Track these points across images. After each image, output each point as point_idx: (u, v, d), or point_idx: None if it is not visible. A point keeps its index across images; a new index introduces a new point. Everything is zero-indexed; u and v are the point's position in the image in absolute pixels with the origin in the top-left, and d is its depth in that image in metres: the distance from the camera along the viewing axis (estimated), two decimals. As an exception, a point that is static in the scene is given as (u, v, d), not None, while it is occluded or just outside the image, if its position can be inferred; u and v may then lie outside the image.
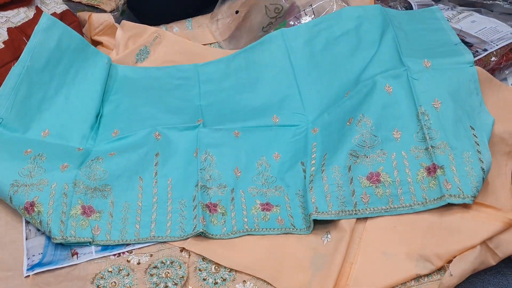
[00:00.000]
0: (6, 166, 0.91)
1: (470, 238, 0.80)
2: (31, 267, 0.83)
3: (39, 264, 0.84)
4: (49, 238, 0.87)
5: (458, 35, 1.05)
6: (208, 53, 1.28)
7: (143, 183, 0.95)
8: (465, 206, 0.84)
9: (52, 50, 1.07)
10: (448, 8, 1.19)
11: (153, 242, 0.87)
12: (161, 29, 1.31)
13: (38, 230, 0.89)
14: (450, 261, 0.80)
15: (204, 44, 1.32)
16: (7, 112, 0.99)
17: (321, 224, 0.87)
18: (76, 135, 1.03)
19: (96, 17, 1.27)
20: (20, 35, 1.05)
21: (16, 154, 0.94)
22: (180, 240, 0.87)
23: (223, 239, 0.87)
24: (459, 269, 0.78)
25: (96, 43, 1.30)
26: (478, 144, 0.87)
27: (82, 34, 1.20)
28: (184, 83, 1.18)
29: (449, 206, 0.84)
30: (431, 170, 0.86)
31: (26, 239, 0.88)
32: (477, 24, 1.11)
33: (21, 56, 1.00)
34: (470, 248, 0.80)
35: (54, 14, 1.12)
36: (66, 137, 1.03)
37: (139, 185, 0.94)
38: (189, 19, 1.39)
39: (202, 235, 0.87)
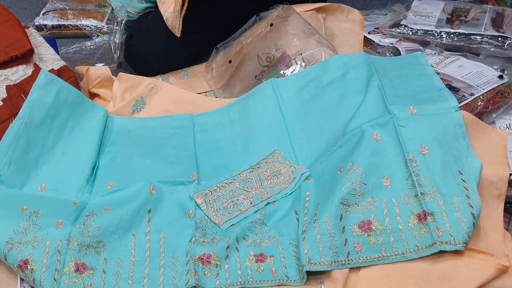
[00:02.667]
0: (2, 224, 0.92)
1: (464, 285, 0.80)
2: (24, 327, 0.83)
3: (32, 324, 0.83)
4: (43, 295, 0.87)
5: (445, 80, 1.08)
6: (203, 101, 1.30)
7: (135, 239, 0.95)
8: (457, 252, 0.83)
9: (50, 105, 1.09)
10: (435, 53, 1.22)
11: (145, 298, 0.87)
12: (157, 80, 1.34)
13: (32, 287, 0.89)
14: (444, 310, 0.79)
15: (199, 93, 1.35)
16: (4, 168, 1.01)
17: (314, 275, 0.87)
18: (72, 188, 1.04)
19: (94, 70, 1.30)
20: (18, 92, 1.08)
21: (12, 212, 0.95)
22: (173, 295, 0.87)
23: (216, 292, 0.87)
24: (454, 317, 0.78)
25: (93, 96, 1.33)
26: (467, 189, 0.87)
27: (79, 88, 1.24)
28: (179, 132, 1.20)
29: (442, 253, 0.83)
30: (422, 217, 0.86)
31: (21, 296, 0.88)
32: (463, 68, 1.13)
33: (19, 113, 1.02)
34: (464, 295, 0.79)
35: (51, 71, 1.15)
36: (63, 191, 1.04)
37: (132, 241, 0.94)
38: (184, 68, 1.43)
39: (195, 289, 0.87)
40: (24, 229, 0.91)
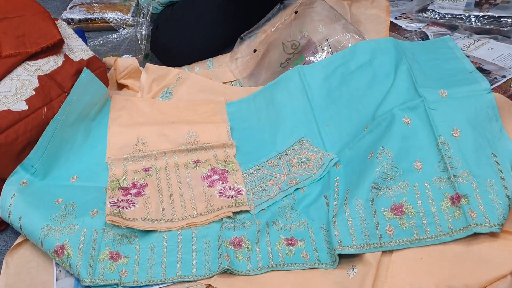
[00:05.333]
0: (38, 212, 0.94)
1: (500, 267, 0.79)
2: (62, 308, 0.85)
3: (70, 305, 0.86)
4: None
5: (475, 63, 1.06)
6: (229, 91, 1.31)
7: None
8: (492, 234, 0.82)
9: (85, 105, 1.13)
10: (464, 37, 1.20)
11: (179, 281, 0.88)
12: (183, 70, 1.35)
13: (68, 272, 0.91)
14: (480, 292, 0.78)
15: (224, 83, 1.36)
16: (40, 163, 1.04)
17: (346, 258, 0.87)
18: (104, 176, 1.06)
19: (122, 62, 1.32)
20: (49, 82, 1.10)
21: (48, 203, 0.98)
22: (206, 278, 0.88)
23: (248, 275, 0.88)
24: (490, 300, 0.77)
25: (121, 86, 1.35)
26: (501, 171, 0.86)
27: (107, 78, 1.25)
28: None
29: (476, 235, 0.83)
30: (455, 199, 0.85)
31: (57, 280, 0.90)
32: (494, 51, 1.12)
33: (59, 111, 1.06)
34: (500, 278, 0.78)
35: (81, 61, 1.17)
36: (94, 179, 1.06)
37: None
38: (210, 59, 1.43)
39: (227, 272, 0.87)
40: (60, 218, 0.94)
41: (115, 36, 1.54)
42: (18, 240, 0.96)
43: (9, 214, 0.95)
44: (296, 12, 1.31)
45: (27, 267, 0.92)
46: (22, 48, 1.10)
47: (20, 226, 0.93)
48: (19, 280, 0.90)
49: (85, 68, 1.13)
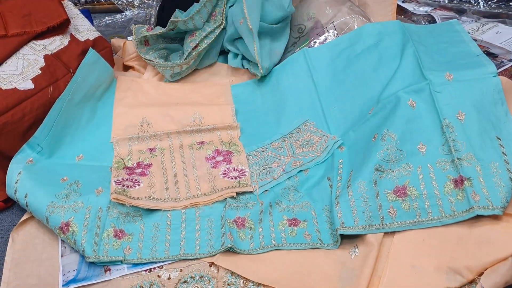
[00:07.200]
0: (44, 189, 0.96)
1: (501, 250, 0.79)
2: (66, 283, 0.86)
3: (74, 280, 0.87)
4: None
5: (482, 46, 1.05)
6: (237, 72, 1.30)
7: None
8: (495, 217, 0.83)
9: (90, 85, 1.13)
10: (472, 21, 1.19)
11: (182, 259, 0.89)
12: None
13: (73, 248, 0.92)
14: (481, 274, 0.78)
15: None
16: (46, 141, 1.05)
17: (348, 239, 0.88)
18: (108, 155, 1.07)
19: (130, 45, 1.33)
20: (55, 61, 1.10)
21: (53, 180, 0.99)
22: (209, 256, 0.89)
23: (251, 254, 0.88)
24: (491, 281, 0.77)
25: (127, 68, 1.35)
26: (505, 155, 0.86)
27: (112, 59, 1.26)
28: None
29: (478, 217, 0.83)
30: (458, 182, 0.86)
31: (62, 256, 0.91)
32: (502, 35, 1.11)
33: (65, 90, 1.07)
34: (502, 260, 0.78)
35: (87, 41, 1.17)
36: (99, 158, 1.07)
37: None
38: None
39: (230, 250, 0.88)
40: (66, 195, 0.95)
41: (119, 16, 1.54)
42: (24, 217, 0.97)
43: (15, 192, 0.97)
44: (302, -6, 1.30)
45: (33, 243, 0.94)
46: (28, 27, 1.11)
47: (26, 203, 0.95)
48: (25, 255, 0.92)
49: (90, 48, 1.13)
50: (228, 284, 0.85)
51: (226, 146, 1.08)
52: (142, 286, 0.86)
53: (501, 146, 0.87)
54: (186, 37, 1.24)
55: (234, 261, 0.88)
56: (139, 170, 1.02)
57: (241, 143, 1.08)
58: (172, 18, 1.21)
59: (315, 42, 1.23)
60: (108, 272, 0.88)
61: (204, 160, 1.05)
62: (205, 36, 1.23)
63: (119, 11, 1.57)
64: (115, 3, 1.58)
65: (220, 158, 1.05)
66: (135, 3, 1.58)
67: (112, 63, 1.24)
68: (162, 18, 1.42)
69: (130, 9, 1.56)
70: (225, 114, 1.15)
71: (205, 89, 1.26)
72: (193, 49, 1.22)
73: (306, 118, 1.11)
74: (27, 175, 0.98)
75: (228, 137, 1.10)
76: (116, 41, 1.35)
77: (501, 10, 1.23)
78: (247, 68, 1.24)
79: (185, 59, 1.21)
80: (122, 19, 1.53)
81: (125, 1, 1.58)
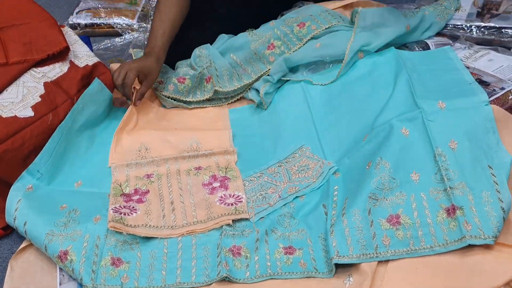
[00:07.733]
0: (43, 218, 0.97)
1: (493, 279, 0.80)
2: (64, 312, 0.88)
3: (72, 309, 0.88)
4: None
5: (475, 74, 1.07)
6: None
7: None
8: (486, 246, 0.84)
9: (91, 113, 1.15)
10: (465, 47, 1.21)
11: (179, 287, 0.90)
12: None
13: (71, 276, 0.93)
14: (473, 304, 0.79)
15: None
16: (46, 168, 1.06)
17: (342, 267, 0.89)
18: (107, 182, 1.09)
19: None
20: (55, 88, 1.12)
21: (52, 208, 1.00)
22: (205, 285, 0.90)
23: (246, 283, 0.89)
24: (483, 311, 0.78)
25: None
26: (497, 184, 0.87)
27: (112, 84, 1.27)
28: None
29: (471, 246, 0.84)
30: (451, 211, 0.87)
31: (60, 284, 0.92)
32: (494, 62, 1.12)
33: (66, 117, 1.09)
34: (493, 290, 0.79)
35: (86, 66, 1.19)
36: (98, 185, 1.09)
37: None
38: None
39: (226, 280, 0.89)
40: (64, 224, 0.96)
41: (118, 39, 1.56)
42: (23, 245, 0.99)
43: (14, 219, 0.98)
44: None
45: (31, 271, 0.95)
46: (29, 55, 1.13)
47: (25, 231, 0.96)
48: (23, 283, 0.93)
49: (96, 78, 1.15)
50: (224, 313, 0.86)
51: (223, 171, 1.09)
52: (138, 315, 0.87)
53: (493, 175, 0.88)
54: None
55: (229, 290, 0.88)
56: (136, 197, 1.03)
57: (237, 168, 1.10)
58: (216, 87, 1.25)
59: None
60: (106, 300, 0.89)
61: (201, 186, 1.06)
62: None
63: (118, 35, 1.60)
64: (114, 26, 1.61)
65: (216, 184, 1.06)
66: (134, 26, 1.61)
67: (111, 88, 1.26)
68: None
69: (129, 33, 1.59)
70: (223, 139, 1.17)
71: (203, 113, 1.28)
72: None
73: (302, 143, 1.12)
74: (26, 203, 0.99)
75: (225, 162, 1.11)
76: (115, 66, 1.37)
77: (493, 37, 1.25)
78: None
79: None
80: (121, 43, 1.56)
81: (124, 25, 1.61)
